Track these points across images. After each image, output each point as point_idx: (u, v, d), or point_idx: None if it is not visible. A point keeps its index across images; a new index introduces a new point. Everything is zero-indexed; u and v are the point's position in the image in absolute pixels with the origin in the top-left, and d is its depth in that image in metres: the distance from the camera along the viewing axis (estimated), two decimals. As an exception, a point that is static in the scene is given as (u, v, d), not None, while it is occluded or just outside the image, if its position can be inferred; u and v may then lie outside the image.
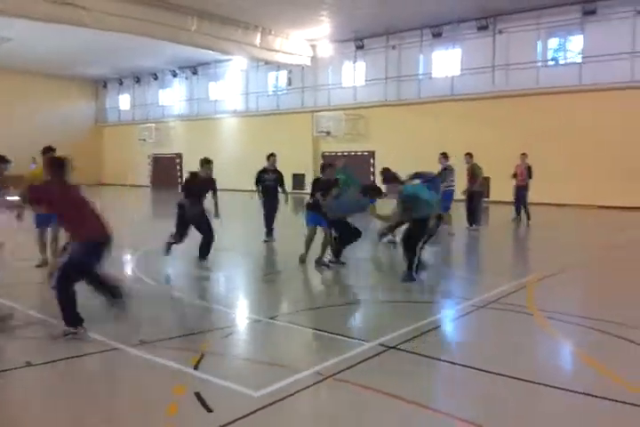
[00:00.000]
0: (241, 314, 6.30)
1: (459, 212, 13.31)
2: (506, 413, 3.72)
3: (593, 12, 19.18)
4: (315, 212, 8.54)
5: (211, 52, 23.60)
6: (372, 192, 8.11)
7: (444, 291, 7.38)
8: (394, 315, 6.13)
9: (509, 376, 4.19)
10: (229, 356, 4.80)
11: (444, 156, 12.33)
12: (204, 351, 4.75)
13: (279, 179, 11.11)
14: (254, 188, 11.18)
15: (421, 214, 7.39)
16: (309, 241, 8.71)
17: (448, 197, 11.85)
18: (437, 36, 22.62)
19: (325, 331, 5.33)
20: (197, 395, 3.84)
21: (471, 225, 12.98)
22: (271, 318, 5.84)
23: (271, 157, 11.23)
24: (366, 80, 25.16)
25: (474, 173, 12.96)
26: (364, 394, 3.91)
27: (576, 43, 20.52)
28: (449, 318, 6.02)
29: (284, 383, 4.03)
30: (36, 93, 33.39)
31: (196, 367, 4.35)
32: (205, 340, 5.13)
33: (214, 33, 21.37)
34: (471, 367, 4.39)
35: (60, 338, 4.98)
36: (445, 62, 23.07)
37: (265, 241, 11.06)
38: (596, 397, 3.86)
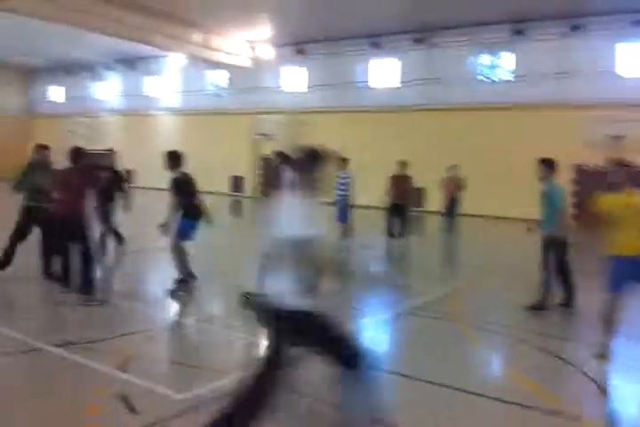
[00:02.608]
0: (165, 315, 6.31)
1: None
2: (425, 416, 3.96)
3: (521, 32, 20.21)
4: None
5: (147, 46, 23.19)
6: None
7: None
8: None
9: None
10: (153, 358, 4.82)
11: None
12: (129, 353, 4.75)
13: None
14: None
15: None
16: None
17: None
18: (375, 46, 23.13)
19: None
20: (121, 396, 3.86)
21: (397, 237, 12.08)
22: (201, 321, 5.88)
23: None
24: (308, 87, 25.39)
25: (409, 183, 12.30)
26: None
27: (507, 60, 21.47)
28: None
29: (209, 387, 4.11)
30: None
31: (120, 369, 4.36)
32: (130, 342, 5.12)
33: (152, 27, 21.04)
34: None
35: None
36: (383, 73, 23.58)
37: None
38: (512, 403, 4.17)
